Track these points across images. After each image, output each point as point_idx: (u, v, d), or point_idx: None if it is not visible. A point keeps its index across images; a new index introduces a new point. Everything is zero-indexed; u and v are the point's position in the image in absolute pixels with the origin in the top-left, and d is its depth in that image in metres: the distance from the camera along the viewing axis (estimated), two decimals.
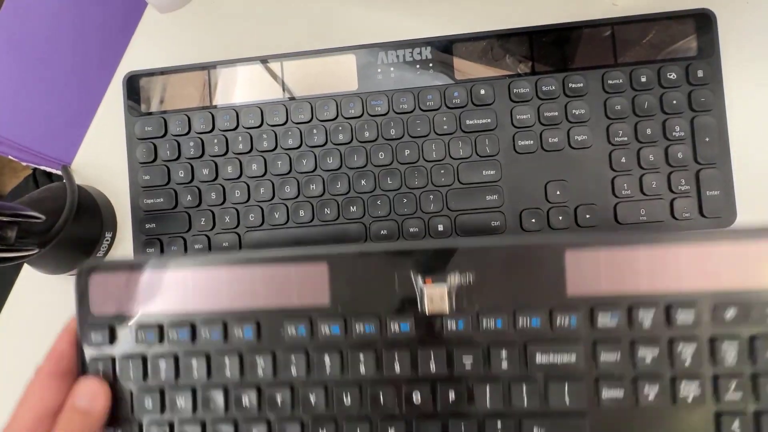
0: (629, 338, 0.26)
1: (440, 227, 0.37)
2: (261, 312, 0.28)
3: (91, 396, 0.26)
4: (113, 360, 0.29)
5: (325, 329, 0.28)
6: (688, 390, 0.26)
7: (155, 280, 0.29)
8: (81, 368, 0.29)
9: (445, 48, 0.38)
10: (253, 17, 0.42)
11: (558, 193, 0.37)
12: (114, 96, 0.42)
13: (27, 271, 0.42)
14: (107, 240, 0.40)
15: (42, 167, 0.46)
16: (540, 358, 0.26)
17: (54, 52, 0.46)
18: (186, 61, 0.40)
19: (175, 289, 0.29)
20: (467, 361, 0.27)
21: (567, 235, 0.26)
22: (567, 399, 0.26)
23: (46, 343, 0.40)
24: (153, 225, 0.39)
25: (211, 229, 0.39)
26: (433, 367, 0.27)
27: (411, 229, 0.37)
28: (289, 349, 0.28)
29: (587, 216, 0.36)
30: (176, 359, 0.28)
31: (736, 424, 0.25)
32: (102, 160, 0.42)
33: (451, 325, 0.27)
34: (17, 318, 0.42)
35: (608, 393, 0.26)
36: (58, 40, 0.46)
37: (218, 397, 0.28)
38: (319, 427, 0.27)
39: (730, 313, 0.26)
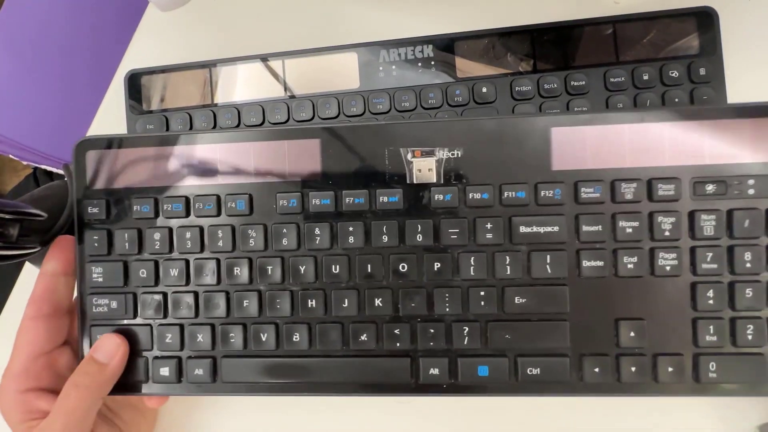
0: (611, 211, 0.27)
1: None
2: (254, 185, 0.29)
3: (109, 352, 0.27)
4: (109, 232, 0.29)
5: (316, 201, 0.28)
6: (666, 260, 0.27)
7: (150, 156, 0.29)
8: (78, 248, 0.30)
9: (447, 46, 0.38)
10: (255, 15, 0.42)
11: None
12: (115, 94, 0.42)
13: (29, 270, 0.42)
14: None
15: (43, 166, 0.46)
16: (524, 229, 0.27)
17: (55, 51, 0.46)
18: (187, 59, 0.40)
19: (169, 164, 0.29)
20: (453, 232, 0.27)
21: (554, 114, 0.28)
22: (549, 269, 0.27)
23: None
24: None
25: None
26: (419, 237, 0.27)
27: None
28: (280, 221, 0.28)
29: None
30: (170, 232, 0.29)
31: (710, 293, 0.26)
32: None
33: (438, 196, 0.27)
34: (19, 316, 0.41)
35: (589, 263, 0.27)
36: (59, 39, 0.46)
37: (210, 268, 0.28)
38: (309, 298, 0.28)
39: (710, 188, 0.26)
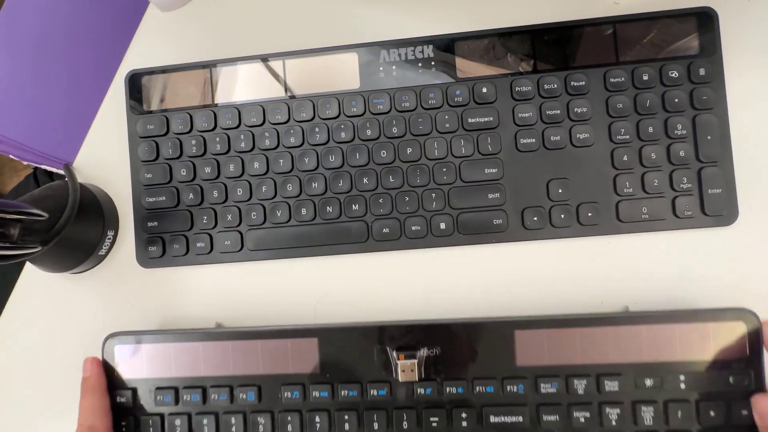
0: (566, 402, 0.33)
1: (442, 225, 0.37)
2: (262, 378, 0.34)
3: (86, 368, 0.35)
4: (136, 419, 0.35)
5: (315, 393, 0.34)
6: None
7: (171, 350, 0.35)
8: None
9: (447, 46, 0.38)
10: (255, 15, 0.42)
11: (560, 191, 0.37)
12: (116, 94, 0.42)
13: (29, 270, 0.42)
14: (109, 238, 0.40)
15: (43, 166, 0.46)
16: (493, 419, 0.33)
17: (56, 51, 0.46)
18: (188, 60, 0.40)
19: (188, 357, 0.35)
20: (433, 420, 0.33)
21: (516, 318, 0.34)
22: None
23: (47, 342, 0.41)
24: (155, 223, 0.39)
25: (213, 227, 0.39)
26: (405, 425, 0.33)
27: (413, 228, 0.37)
28: (285, 409, 0.34)
29: (589, 214, 0.36)
30: (189, 418, 0.34)
31: None
32: (104, 158, 0.42)
33: (420, 390, 0.33)
34: (19, 316, 0.42)
35: None
36: (59, 39, 0.46)
37: None
38: None
39: (649, 382, 0.32)
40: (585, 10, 0.38)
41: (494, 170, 0.37)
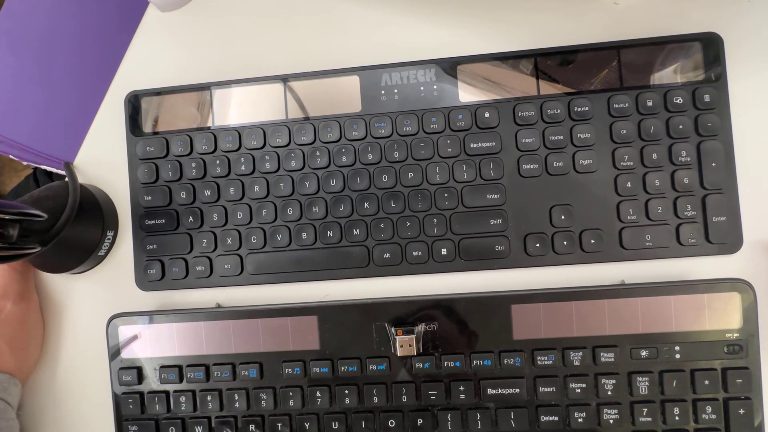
0: (563, 374, 0.34)
1: (444, 251, 0.37)
2: (263, 355, 0.35)
3: None
4: (141, 395, 0.36)
5: (316, 369, 0.35)
6: (610, 415, 0.33)
7: (174, 329, 0.36)
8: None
9: (450, 70, 0.38)
10: (255, 15, 0.43)
11: (563, 217, 0.37)
12: (116, 94, 0.43)
13: None
14: (109, 239, 0.41)
15: (43, 166, 0.46)
16: (491, 391, 0.34)
17: (55, 52, 0.47)
18: (188, 61, 0.42)
19: (191, 336, 0.36)
20: (432, 394, 0.34)
21: (512, 292, 0.35)
22: (513, 424, 0.34)
23: (47, 342, 0.41)
24: (154, 246, 0.39)
25: (213, 250, 0.39)
26: (404, 399, 0.34)
27: (414, 253, 0.37)
28: (287, 385, 0.35)
29: (592, 241, 0.37)
30: (194, 395, 0.35)
31: None
32: (103, 159, 0.43)
33: (418, 365, 0.34)
34: None
35: (546, 418, 0.34)
36: (60, 40, 0.47)
37: (230, 426, 0.35)
38: None
39: (644, 353, 0.33)
40: (584, 11, 0.38)
41: (496, 196, 0.37)
